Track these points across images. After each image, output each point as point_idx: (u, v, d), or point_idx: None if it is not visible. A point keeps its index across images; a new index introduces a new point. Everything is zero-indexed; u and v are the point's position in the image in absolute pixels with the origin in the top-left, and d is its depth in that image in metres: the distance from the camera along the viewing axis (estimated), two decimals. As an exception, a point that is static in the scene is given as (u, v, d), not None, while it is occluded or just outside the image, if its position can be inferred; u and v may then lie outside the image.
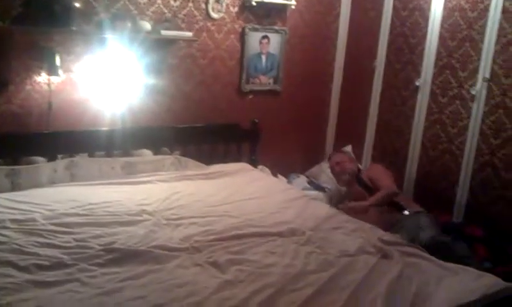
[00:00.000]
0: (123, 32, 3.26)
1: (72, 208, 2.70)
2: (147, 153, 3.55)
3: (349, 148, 4.41)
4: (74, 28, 3.13)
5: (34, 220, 2.49)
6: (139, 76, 3.51)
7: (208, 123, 3.86)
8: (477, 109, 3.45)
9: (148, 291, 1.94)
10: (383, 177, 3.53)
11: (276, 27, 4.14)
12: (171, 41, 3.64)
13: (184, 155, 3.66)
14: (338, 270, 2.18)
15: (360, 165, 3.96)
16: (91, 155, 3.37)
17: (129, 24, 3.29)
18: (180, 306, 1.85)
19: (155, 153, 3.58)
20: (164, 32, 3.42)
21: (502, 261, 2.96)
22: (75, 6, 3.11)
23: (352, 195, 3.68)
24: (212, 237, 2.45)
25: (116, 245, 2.30)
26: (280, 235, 2.56)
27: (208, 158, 3.73)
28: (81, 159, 3.29)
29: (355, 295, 1.97)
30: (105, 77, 3.40)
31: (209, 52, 3.86)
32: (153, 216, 2.69)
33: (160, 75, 3.66)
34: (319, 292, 1.98)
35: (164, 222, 2.64)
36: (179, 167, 3.52)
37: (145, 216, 2.68)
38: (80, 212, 2.67)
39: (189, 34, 3.62)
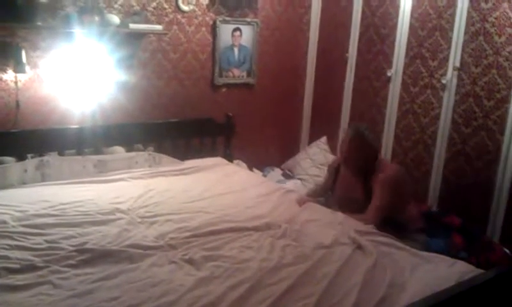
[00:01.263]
0: (90, 27, 3.20)
1: (43, 208, 2.65)
2: (120, 151, 3.49)
3: (323, 140, 4.43)
4: (40, 23, 3.06)
5: (4, 222, 2.43)
6: (109, 71, 3.46)
7: (182, 118, 3.82)
8: (448, 98, 3.49)
9: (121, 292, 1.91)
10: (382, 194, 2.76)
11: (247, 19, 4.11)
12: (140, 35, 3.58)
13: (157, 151, 3.62)
14: (314, 262, 2.18)
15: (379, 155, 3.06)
16: (61, 154, 3.30)
17: (97, 18, 3.22)
18: (155, 306, 1.82)
19: (128, 150, 3.53)
20: (132, 26, 3.35)
21: (476, 250, 3.00)
22: (40, 0, 3.03)
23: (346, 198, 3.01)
24: (187, 234, 2.43)
25: (88, 246, 2.25)
26: (255, 229, 2.55)
27: (183, 154, 3.70)
28: (52, 158, 3.22)
29: (331, 287, 1.97)
30: (74, 73, 3.33)
31: (180, 46, 3.82)
32: (127, 214, 2.65)
33: (131, 70, 3.61)
34: (295, 285, 1.97)
35: (138, 220, 2.60)
36: (153, 164, 3.48)
37: (118, 215, 2.64)
38: (52, 213, 2.61)
39: (159, 27, 3.56)
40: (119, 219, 2.59)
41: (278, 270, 2.10)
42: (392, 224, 2.71)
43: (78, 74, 3.34)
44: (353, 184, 2.95)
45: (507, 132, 3.15)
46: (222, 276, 2.04)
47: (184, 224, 2.55)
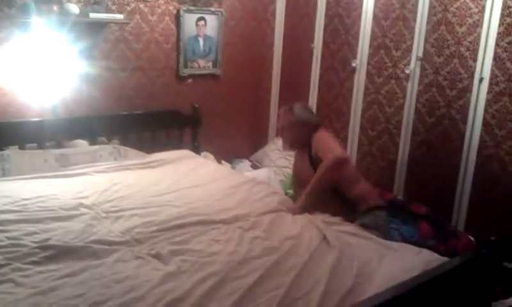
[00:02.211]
0: (49, 16, 3.10)
1: (4, 204, 2.55)
2: (83, 144, 3.41)
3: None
4: (-5, 12, 2.95)
5: (-38, 219, 2.34)
6: (69, 62, 3.37)
7: (147, 110, 3.76)
8: (412, 87, 3.54)
9: (86, 289, 1.85)
10: (325, 146, 2.81)
11: (212, 9, 4.06)
12: (101, 25, 3.50)
13: (123, 144, 3.55)
14: (282, 254, 2.18)
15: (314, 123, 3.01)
16: (22, 148, 3.20)
17: (55, 7, 3.13)
18: (120, 302, 1.78)
19: (92, 144, 3.45)
20: (92, 15, 3.28)
21: (443, 238, 3.06)
22: (-5, -11, 2.93)
23: (298, 176, 3.04)
24: (154, 228, 2.38)
25: (51, 242, 2.18)
26: (224, 222, 2.52)
27: (149, 147, 3.63)
28: (12, 152, 3.12)
29: (298, 279, 1.97)
30: (32, 64, 3.23)
31: (143, 36, 3.74)
32: (91, 209, 2.58)
33: (93, 61, 3.52)
34: (263, 278, 1.96)
35: (103, 215, 2.54)
36: (118, 157, 3.41)
37: (82, 210, 2.57)
38: (13, 209, 2.52)
39: (120, 16, 3.49)
40: (83, 214, 2.52)
41: (246, 263, 2.09)
42: (342, 201, 2.78)
43: (37, 65, 3.23)
44: (299, 162, 3.01)
45: (469, 121, 3.22)
46: (190, 270, 2.01)
47: (151, 218, 2.50)
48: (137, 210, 2.60)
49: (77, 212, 2.54)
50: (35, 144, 3.27)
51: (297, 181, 3.06)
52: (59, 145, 3.33)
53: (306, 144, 2.92)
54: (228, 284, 1.91)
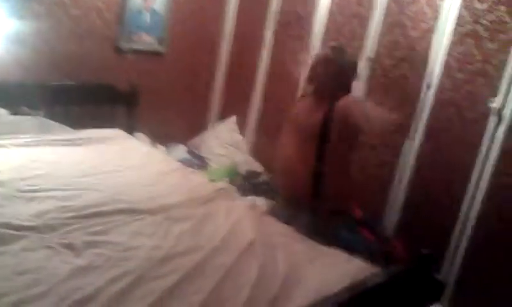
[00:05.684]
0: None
1: None
2: (2, 113, 3.09)
3: (233, 120, 4.29)
4: None
5: None
6: (-5, 22, 3.03)
7: (79, 82, 3.46)
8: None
9: (-19, 281, 1.63)
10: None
11: (161, -18, 3.81)
12: (36, -15, 3.18)
13: (48, 117, 3.24)
14: (208, 252, 2.03)
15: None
16: None
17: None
18: (18, 299, 1.57)
19: (13, 113, 3.13)
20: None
21: (381, 243, 3.02)
22: None
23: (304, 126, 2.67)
24: (70, 214, 2.15)
25: (-51, 221, 1.93)
26: (150, 212, 2.33)
27: (77, 122, 3.33)
28: None
29: (222, 282, 1.83)
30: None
31: (83, 1, 3.44)
32: (3, 187, 2.31)
33: (24, 22, 3.18)
34: (184, 279, 1.81)
35: (16, 194, 2.27)
36: (41, 131, 3.09)
37: (-8, 186, 2.31)
38: None
39: (59, -22, 3.18)
40: (-8, 191, 2.26)
41: (168, 261, 1.92)
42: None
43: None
44: (313, 112, 2.60)
45: (412, 127, 3.18)
46: (103, 266, 1.82)
47: (69, 202, 2.26)
48: (54, 192, 2.35)
49: (-14, 189, 2.27)
50: None
51: (299, 131, 2.66)
52: (-25, 112, 3.00)
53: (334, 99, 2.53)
54: (144, 285, 1.74)
